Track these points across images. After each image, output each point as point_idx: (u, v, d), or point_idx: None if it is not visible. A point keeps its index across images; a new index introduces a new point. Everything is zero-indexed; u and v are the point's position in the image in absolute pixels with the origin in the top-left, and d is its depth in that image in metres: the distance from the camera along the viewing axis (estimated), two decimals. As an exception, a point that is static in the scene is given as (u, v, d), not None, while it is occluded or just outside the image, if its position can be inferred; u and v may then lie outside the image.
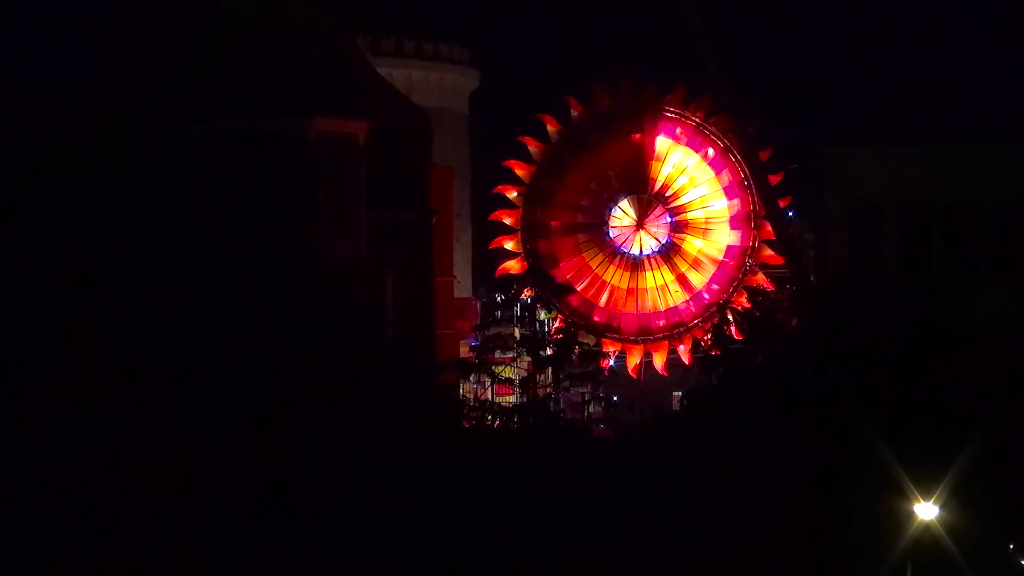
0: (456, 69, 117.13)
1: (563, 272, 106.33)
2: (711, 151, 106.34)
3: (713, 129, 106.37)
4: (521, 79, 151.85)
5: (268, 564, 51.01)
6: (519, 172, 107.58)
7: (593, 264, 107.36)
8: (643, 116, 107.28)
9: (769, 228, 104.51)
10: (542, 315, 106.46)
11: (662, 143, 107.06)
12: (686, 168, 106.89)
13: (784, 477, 51.57)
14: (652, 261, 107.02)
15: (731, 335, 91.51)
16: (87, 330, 59.29)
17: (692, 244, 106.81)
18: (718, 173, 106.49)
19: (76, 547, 50.29)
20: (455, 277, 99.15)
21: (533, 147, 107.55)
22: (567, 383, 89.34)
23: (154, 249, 77.29)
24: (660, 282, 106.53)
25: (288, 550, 51.39)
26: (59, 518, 50.89)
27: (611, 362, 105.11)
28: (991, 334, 58.77)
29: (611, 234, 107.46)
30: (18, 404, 55.13)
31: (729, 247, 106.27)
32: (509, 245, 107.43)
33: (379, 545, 51.78)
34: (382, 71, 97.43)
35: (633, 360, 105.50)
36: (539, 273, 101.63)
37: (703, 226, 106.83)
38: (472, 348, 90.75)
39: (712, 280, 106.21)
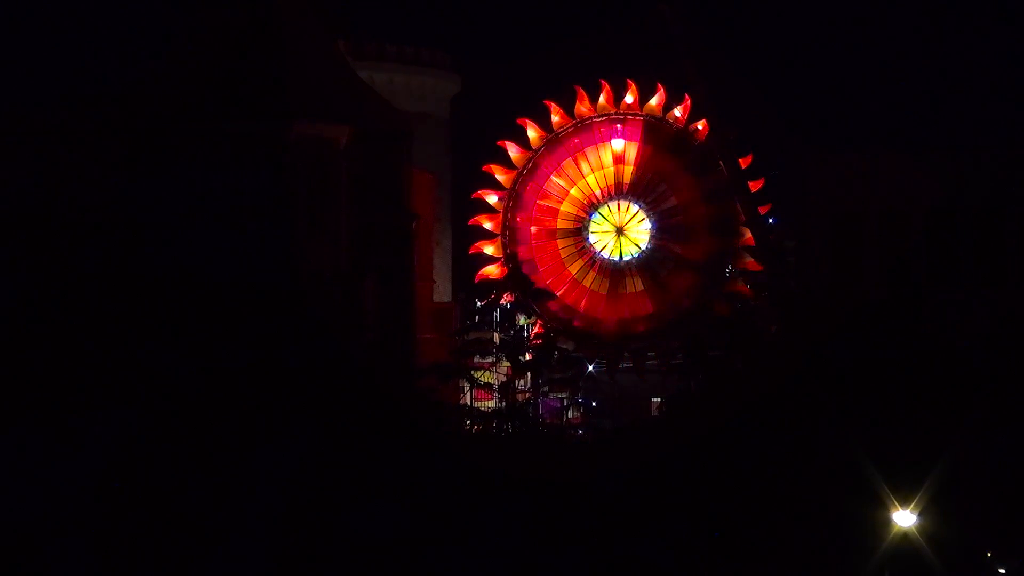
0: (437, 73, 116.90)
1: (543, 277, 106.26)
2: (691, 156, 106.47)
3: (694, 135, 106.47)
4: (502, 84, 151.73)
5: (239, 565, 51.02)
6: (499, 177, 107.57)
7: (573, 270, 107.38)
8: (624, 121, 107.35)
9: (749, 235, 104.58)
10: (521, 320, 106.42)
11: (642, 148, 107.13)
12: (666, 173, 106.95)
13: (765, 483, 51.63)
14: (631, 267, 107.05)
15: (710, 341, 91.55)
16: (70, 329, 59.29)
17: (672, 249, 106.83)
18: (698, 179, 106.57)
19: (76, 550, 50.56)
20: (435, 282, 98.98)
21: (514, 152, 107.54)
22: (546, 388, 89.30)
23: (135, 250, 77.14)
24: (640, 288, 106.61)
25: (263, 553, 51.31)
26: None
27: (591, 367, 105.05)
28: (970, 343, 58.93)
29: (591, 239, 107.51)
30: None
31: (709, 253, 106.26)
32: (489, 250, 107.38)
33: (356, 549, 51.70)
34: (363, 75, 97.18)
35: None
36: (519, 278, 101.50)
37: (683, 232, 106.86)
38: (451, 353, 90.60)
39: (691, 286, 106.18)
